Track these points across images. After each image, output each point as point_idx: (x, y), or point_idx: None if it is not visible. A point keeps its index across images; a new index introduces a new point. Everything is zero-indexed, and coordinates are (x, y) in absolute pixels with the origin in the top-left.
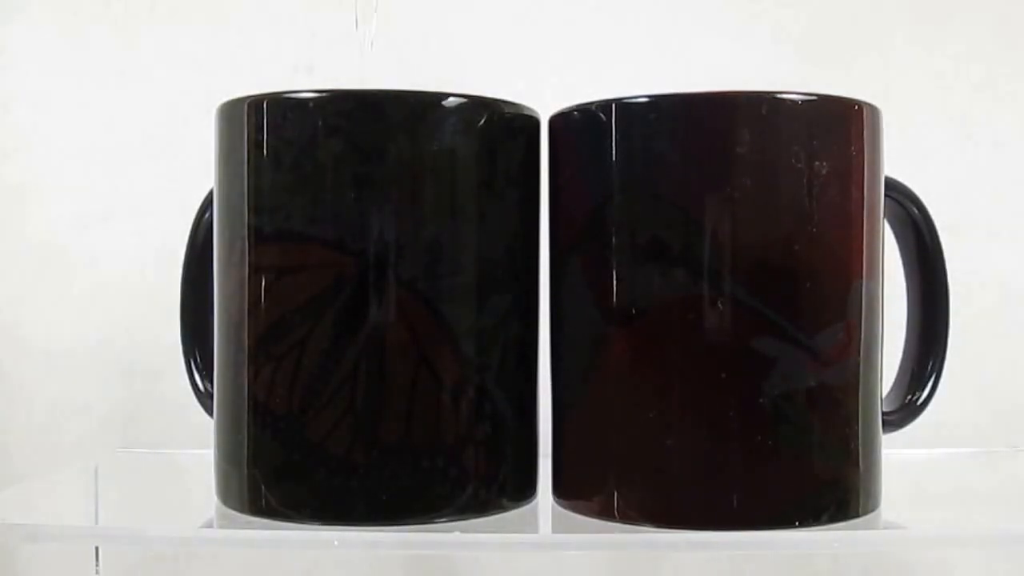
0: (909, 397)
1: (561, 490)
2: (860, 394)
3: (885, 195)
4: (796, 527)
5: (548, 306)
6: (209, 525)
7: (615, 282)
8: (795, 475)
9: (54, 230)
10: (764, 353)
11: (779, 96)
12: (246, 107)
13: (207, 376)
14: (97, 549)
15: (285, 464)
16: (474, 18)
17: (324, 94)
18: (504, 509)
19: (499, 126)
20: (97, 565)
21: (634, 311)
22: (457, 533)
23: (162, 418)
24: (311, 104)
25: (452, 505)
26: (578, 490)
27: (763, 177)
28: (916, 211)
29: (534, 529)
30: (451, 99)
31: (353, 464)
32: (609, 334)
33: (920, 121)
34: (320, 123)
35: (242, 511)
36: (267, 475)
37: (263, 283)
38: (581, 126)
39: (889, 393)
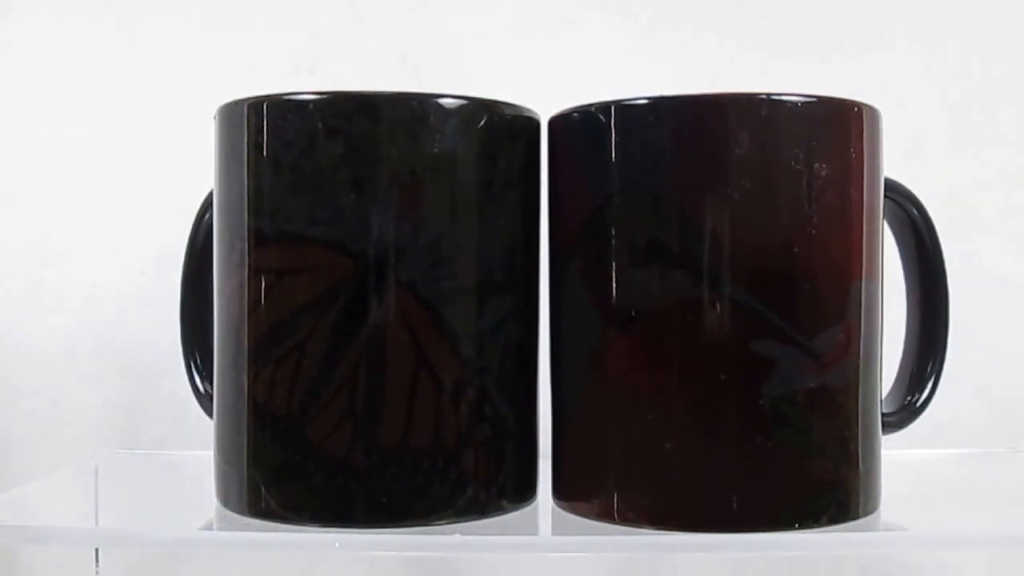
0: (909, 398)
1: (561, 492)
2: (860, 395)
3: (885, 196)
4: (796, 529)
5: (548, 308)
6: (209, 527)
7: (615, 284)
8: (794, 477)
9: (53, 230)
10: (764, 355)
11: (778, 98)
12: (246, 109)
13: (207, 377)
14: (97, 550)
15: (285, 466)
16: (474, 19)
17: (324, 96)
18: (504, 511)
19: (499, 128)
20: (97, 566)
21: (634, 313)
22: (457, 535)
23: (162, 419)
24: (311, 106)
25: (452, 507)
26: (578, 492)
27: (762, 179)
28: (916, 212)
29: (534, 531)
30: (451, 101)
31: (353, 466)
32: (609, 336)
33: (920, 121)
34: (320, 125)
35: (242, 513)
36: (267, 477)
37: (263, 285)
38: (581, 128)
39: (889, 394)
